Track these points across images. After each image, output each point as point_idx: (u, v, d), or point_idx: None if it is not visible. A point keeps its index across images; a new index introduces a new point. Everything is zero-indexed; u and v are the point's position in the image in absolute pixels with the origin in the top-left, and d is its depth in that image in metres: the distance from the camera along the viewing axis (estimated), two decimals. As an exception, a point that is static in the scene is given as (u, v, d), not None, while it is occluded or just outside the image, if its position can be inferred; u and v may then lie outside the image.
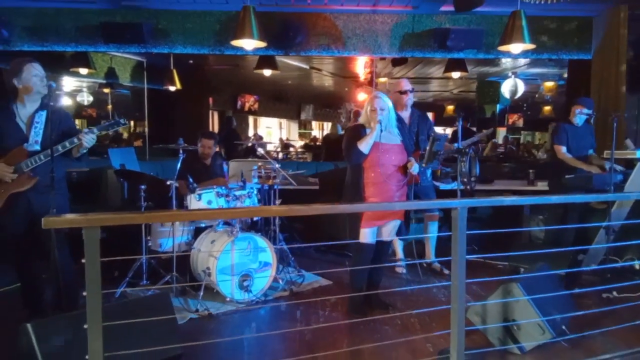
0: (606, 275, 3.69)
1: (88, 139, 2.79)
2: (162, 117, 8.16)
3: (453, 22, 5.43)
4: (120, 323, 1.99)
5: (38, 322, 2.23)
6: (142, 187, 3.69)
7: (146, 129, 8.16)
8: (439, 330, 3.00)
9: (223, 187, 3.82)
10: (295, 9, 5.32)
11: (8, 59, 6.61)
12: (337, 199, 3.51)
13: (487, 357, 2.69)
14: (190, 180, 3.69)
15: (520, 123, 13.48)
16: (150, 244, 3.85)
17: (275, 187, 4.16)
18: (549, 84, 9.53)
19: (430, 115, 12.20)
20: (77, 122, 9.43)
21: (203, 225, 3.97)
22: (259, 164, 4.25)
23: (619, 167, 4.08)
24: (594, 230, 4.11)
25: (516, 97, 9.25)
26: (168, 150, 3.98)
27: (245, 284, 3.56)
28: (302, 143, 13.92)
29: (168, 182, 3.70)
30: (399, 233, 3.40)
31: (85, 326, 1.85)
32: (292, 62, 8.86)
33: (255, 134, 10.75)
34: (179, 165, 3.72)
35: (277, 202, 4.15)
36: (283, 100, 13.53)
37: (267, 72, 6.89)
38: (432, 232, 4.34)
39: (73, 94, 9.02)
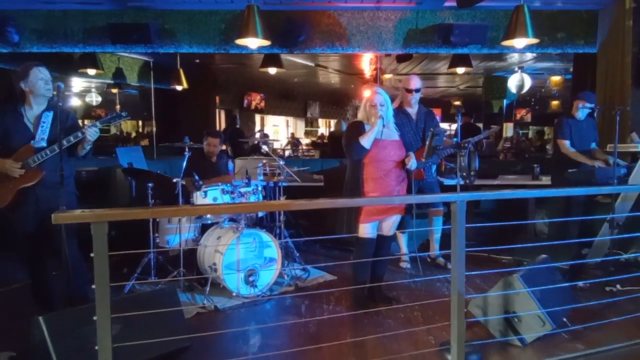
0: (610, 268, 3.70)
1: (91, 132, 2.89)
2: (169, 117, 8.26)
3: (457, 18, 5.43)
4: (128, 315, 2.06)
5: (50, 315, 2.31)
6: (150, 185, 3.77)
7: (154, 129, 8.27)
8: (440, 322, 3.06)
9: (228, 185, 3.88)
10: (299, 7, 5.36)
11: (18, 61, 6.76)
12: (340, 194, 3.55)
13: (488, 349, 2.72)
14: (196, 177, 3.76)
15: (529, 118, 13.40)
16: (158, 241, 3.93)
17: (280, 184, 4.22)
18: (556, 79, 9.47)
19: (437, 111, 12.19)
20: (87, 122, 9.54)
21: (209, 221, 4.04)
22: (264, 161, 4.31)
23: (622, 162, 4.08)
24: (598, 224, 4.12)
25: (523, 91, 9.22)
26: (175, 148, 4.06)
27: (250, 279, 3.62)
28: (308, 141, 13.97)
29: (174, 180, 3.77)
30: (402, 227, 3.44)
31: (95, 318, 1.92)
32: (298, 60, 8.91)
33: (260, 132, 10.79)
34: (184, 163, 3.79)
35: (282, 198, 4.21)
36: (289, 98, 13.58)
37: (272, 71, 6.93)
38: (437, 226, 4.37)
39: (82, 95, 9.15)
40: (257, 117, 13.00)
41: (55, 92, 2.91)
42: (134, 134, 10.38)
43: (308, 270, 4.20)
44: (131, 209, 1.96)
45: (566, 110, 5.44)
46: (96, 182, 5.16)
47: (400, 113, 4.23)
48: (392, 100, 3.47)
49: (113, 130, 9.98)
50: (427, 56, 8.55)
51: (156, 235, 3.91)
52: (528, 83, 8.96)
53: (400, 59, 7.41)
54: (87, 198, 3.55)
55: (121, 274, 3.88)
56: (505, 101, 10.93)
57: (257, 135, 8.98)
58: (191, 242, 3.95)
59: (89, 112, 9.34)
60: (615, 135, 3.82)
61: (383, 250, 3.42)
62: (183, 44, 5.41)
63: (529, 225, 5.09)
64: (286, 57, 7.49)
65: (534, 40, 4.85)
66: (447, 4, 5.26)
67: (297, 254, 4.31)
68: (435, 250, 4.47)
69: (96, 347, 1.92)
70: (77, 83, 8.78)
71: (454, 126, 11.78)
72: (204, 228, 4.05)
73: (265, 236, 3.74)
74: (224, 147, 4.77)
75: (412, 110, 4.23)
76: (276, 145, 11.00)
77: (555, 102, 12.19)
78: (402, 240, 4.43)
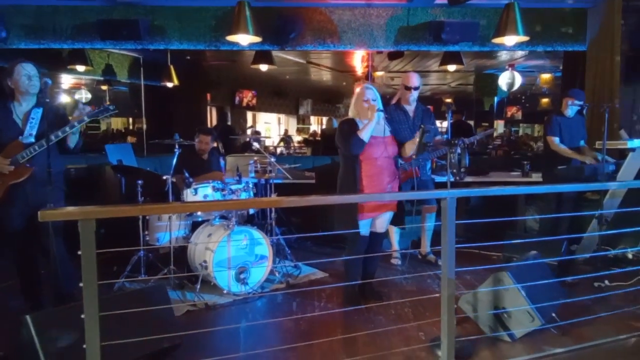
0: (598, 264, 3.74)
1: (76, 128, 2.91)
2: (159, 114, 8.20)
3: (448, 15, 5.44)
4: (116, 313, 2.04)
5: (37, 313, 2.29)
6: (139, 182, 3.74)
7: (144, 126, 8.21)
8: (430, 318, 3.07)
9: (219, 182, 3.87)
10: (290, 3, 5.34)
11: (6, 58, 6.67)
12: (333, 192, 3.55)
13: (478, 345, 2.74)
14: (187, 175, 3.74)
15: (519, 115, 13.49)
16: (147, 238, 3.91)
17: (271, 181, 4.21)
18: (546, 76, 9.55)
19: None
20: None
21: (200, 219, 4.03)
22: (255, 158, 4.29)
23: (610, 158, 4.12)
24: (588, 221, 4.16)
25: (513, 89, 9.28)
26: (165, 146, 4.03)
27: (241, 276, 3.61)
28: (300, 138, 13.94)
29: (164, 177, 3.75)
30: (396, 223, 3.45)
31: (82, 316, 1.91)
32: (290, 57, 8.89)
33: (252, 129, 10.77)
34: (174, 160, 3.77)
35: (273, 196, 4.20)
36: (281, 96, 13.56)
37: (263, 67, 6.92)
38: (429, 224, 4.38)
39: (71, 91, 9.07)
40: (249, 114, 12.96)
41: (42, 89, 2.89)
42: (123, 131, 10.30)
43: (299, 268, 4.20)
44: (120, 206, 1.95)
45: (556, 107, 5.48)
46: (85, 180, 5.11)
47: (397, 110, 4.22)
48: (385, 97, 3.47)
49: (103, 127, 9.90)
50: (419, 53, 8.57)
51: (146, 232, 3.89)
52: (519, 81, 9.02)
53: (392, 56, 7.42)
54: (75, 195, 3.52)
55: (111, 272, 3.85)
56: (496, 99, 11.00)
57: (249, 132, 8.94)
58: (181, 239, 3.93)
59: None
60: (604, 132, 3.85)
61: (375, 247, 3.43)
62: (173, 40, 5.37)
63: (519, 221, 5.13)
64: (278, 54, 7.46)
65: (525, 38, 4.88)
66: (437, 1, 5.27)
67: (289, 251, 4.31)
68: (426, 247, 4.49)
69: (84, 346, 1.90)
70: (66, 80, 8.69)
71: (445, 123, 11.82)
72: (195, 225, 4.03)
73: (257, 233, 3.73)
74: (215, 145, 4.74)
75: (410, 107, 4.23)
76: (268, 142, 10.99)
77: (545, 100, 12.29)
78: (394, 237, 4.43)
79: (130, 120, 10.54)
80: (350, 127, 3.25)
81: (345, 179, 3.32)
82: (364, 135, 3.17)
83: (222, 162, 4.77)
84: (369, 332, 2.88)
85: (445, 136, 3.17)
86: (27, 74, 2.93)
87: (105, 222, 2.20)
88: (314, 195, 2.40)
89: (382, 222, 3.39)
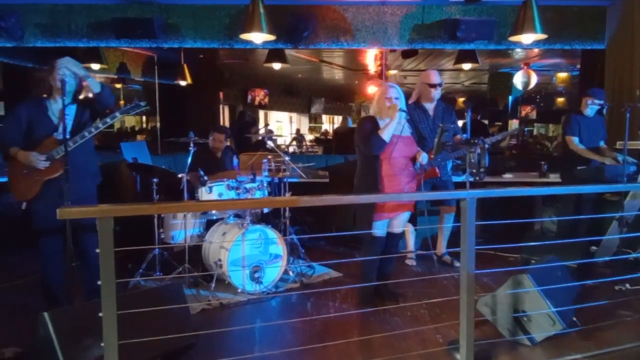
0: (619, 267, 3.66)
1: (90, 82, 2.97)
2: (173, 112, 8.22)
3: (463, 13, 5.37)
4: (134, 312, 2.03)
5: (55, 311, 2.29)
6: (154, 180, 3.74)
7: (157, 124, 8.24)
8: (448, 321, 3.03)
9: (233, 180, 3.86)
10: (304, 1, 5.32)
11: (22, 56, 6.72)
12: (347, 191, 3.52)
13: (497, 348, 2.69)
14: (202, 173, 3.73)
15: (534, 115, 13.32)
16: (162, 237, 3.91)
17: (285, 179, 4.19)
18: (562, 75, 9.40)
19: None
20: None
21: (214, 217, 4.02)
22: (269, 156, 4.28)
23: (631, 159, 4.03)
24: (607, 222, 4.08)
25: (529, 88, 9.16)
26: (179, 144, 4.03)
27: (256, 275, 3.60)
28: (311, 137, 13.91)
29: (179, 175, 3.74)
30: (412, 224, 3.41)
31: (100, 314, 1.90)
32: (302, 55, 8.87)
33: (266, 127, 10.77)
34: (189, 158, 3.76)
35: (287, 194, 4.18)
36: (294, 94, 13.53)
37: (276, 66, 6.90)
38: (448, 224, 4.31)
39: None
40: (261, 113, 12.96)
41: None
42: (137, 130, 10.36)
43: (313, 267, 4.18)
44: (137, 204, 1.93)
45: (574, 106, 5.39)
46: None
47: (417, 109, 4.14)
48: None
49: (117, 124, 9.96)
50: (433, 52, 8.49)
51: (161, 230, 3.89)
52: (534, 80, 8.90)
53: (406, 54, 7.35)
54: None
55: (126, 270, 3.86)
56: (510, 98, 10.87)
57: (263, 130, 8.94)
58: (196, 237, 3.93)
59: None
60: (625, 132, 3.77)
61: (392, 248, 3.39)
62: (187, 38, 5.38)
63: (535, 222, 5.05)
64: (290, 52, 7.44)
65: (542, 36, 4.80)
66: (453, -2, 5.21)
67: (302, 250, 4.29)
68: (442, 247, 4.43)
69: (102, 344, 1.90)
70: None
71: (460, 122, 11.70)
72: (209, 224, 4.03)
73: (271, 232, 3.71)
74: (228, 143, 4.74)
75: (430, 105, 4.14)
76: (280, 141, 10.97)
77: (560, 99, 12.13)
78: (410, 237, 4.39)
79: (144, 118, 10.59)
80: (372, 126, 3.20)
81: (364, 179, 3.26)
82: (385, 134, 3.13)
83: (235, 160, 4.76)
84: (385, 335, 2.84)
85: (464, 135, 3.12)
86: (64, 73, 2.96)
87: (120, 220, 2.19)
88: (331, 194, 2.37)
89: (399, 222, 3.34)
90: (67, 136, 2.93)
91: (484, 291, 3.29)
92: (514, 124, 12.66)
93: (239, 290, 3.57)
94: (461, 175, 4.81)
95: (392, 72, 8.91)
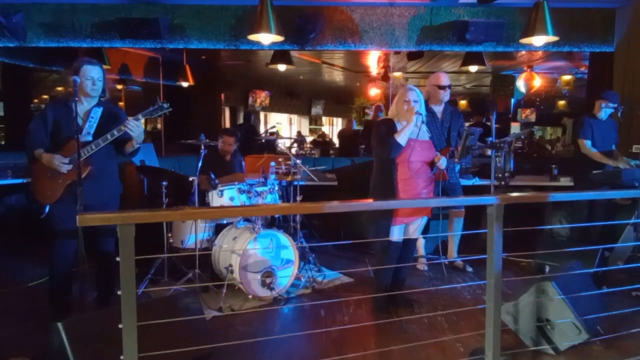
0: (634, 273, 3.61)
1: (132, 126, 2.81)
2: (175, 113, 8.12)
3: (472, 15, 5.32)
4: (153, 323, 1.95)
5: (69, 320, 2.20)
6: (164, 183, 3.66)
7: (158, 125, 8.14)
8: (467, 329, 2.97)
9: (245, 184, 3.78)
10: (311, 2, 5.25)
11: (23, 55, 6.60)
12: (354, 194, 3.44)
13: (521, 358, 2.63)
14: (213, 176, 3.65)
15: (533, 118, 13.30)
16: (171, 241, 3.82)
17: (295, 183, 4.12)
18: (567, 78, 9.36)
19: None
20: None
21: (224, 221, 3.94)
22: (280, 159, 4.20)
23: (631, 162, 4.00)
24: (620, 226, 4.03)
25: (532, 91, 9.13)
26: (184, 146, 3.96)
27: (267, 281, 3.52)
28: (310, 139, 13.81)
29: (191, 179, 3.66)
30: (426, 230, 3.34)
31: (120, 326, 1.82)
32: (304, 57, 8.79)
33: (273, 129, 10.67)
34: (200, 161, 3.67)
35: (299, 198, 4.10)
36: (294, 96, 13.46)
37: (282, 67, 6.82)
38: (457, 228, 4.26)
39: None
40: (262, 115, 12.88)
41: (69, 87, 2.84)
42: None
43: (323, 272, 4.11)
44: (160, 210, 1.87)
45: (577, 109, 5.35)
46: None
47: (425, 111, 4.10)
48: None
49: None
50: (436, 54, 8.44)
51: (169, 235, 3.81)
52: (537, 82, 8.88)
53: (412, 56, 7.29)
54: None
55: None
56: (512, 100, 10.83)
57: (270, 132, 8.85)
58: (205, 242, 3.85)
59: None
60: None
61: (407, 253, 3.32)
62: (193, 39, 5.29)
63: (545, 225, 4.99)
64: (293, 53, 7.36)
65: (554, 38, 4.75)
66: (461, 0, 5.15)
67: (312, 255, 4.21)
68: (453, 252, 4.37)
69: (122, 357, 1.82)
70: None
71: (466, 124, 11.62)
72: (218, 228, 3.95)
73: (283, 237, 3.64)
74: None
75: (439, 108, 4.10)
76: (281, 142, 10.87)
77: (562, 102, 12.08)
78: (421, 241, 4.33)
79: (143, 120, 10.46)
80: (388, 128, 3.14)
81: (379, 182, 3.20)
82: (401, 138, 3.07)
83: (242, 163, 4.69)
84: (407, 346, 2.76)
85: (490, 139, 3.05)
86: (92, 78, 2.89)
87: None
88: (336, 198, 2.28)
89: (416, 227, 3.28)
90: (90, 139, 2.88)
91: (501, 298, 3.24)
92: (514, 126, 12.63)
93: (250, 297, 3.49)
94: (472, 179, 4.76)
95: (397, 74, 8.85)
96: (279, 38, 4.90)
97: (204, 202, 3.77)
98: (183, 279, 3.66)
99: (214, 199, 3.69)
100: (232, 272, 3.46)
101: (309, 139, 13.80)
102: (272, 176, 4.18)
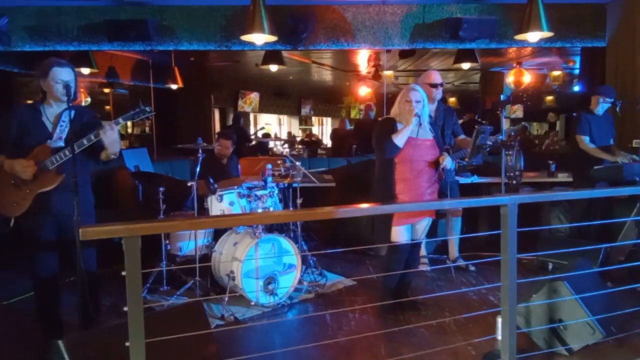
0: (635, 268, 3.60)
1: (108, 134, 2.56)
2: (164, 116, 7.98)
3: (464, 12, 5.29)
4: (161, 339, 1.86)
5: (70, 337, 2.09)
6: (161, 189, 3.55)
7: (147, 128, 7.99)
8: (477, 331, 2.93)
9: (244, 188, 3.69)
10: (302, 1, 5.17)
11: (9, 60, 6.40)
12: (352, 195, 3.37)
13: (533, 358, 2.58)
14: (211, 181, 3.55)
15: (520, 114, 13.38)
16: (169, 248, 3.71)
17: (294, 185, 4.04)
18: (556, 73, 9.42)
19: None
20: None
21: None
22: (279, 161, 4.12)
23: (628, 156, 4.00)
24: (620, 221, 4.03)
25: (521, 87, 9.17)
26: (175, 149, 3.84)
27: (270, 287, 3.44)
28: (298, 139, 13.72)
29: (189, 184, 3.56)
30: (432, 230, 3.29)
31: (127, 344, 1.73)
32: (294, 56, 8.70)
33: (262, 131, 10.56)
34: (199, 166, 3.56)
35: (299, 201, 4.02)
36: (283, 96, 13.36)
37: (273, 68, 6.73)
38: (456, 228, 4.22)
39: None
40: (251, 116, 12.77)
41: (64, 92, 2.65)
42: (125, 136, 10.05)
43: (325, 275, 4.04)
44: (166, 221, 1.78)
45: (564, 105, 5.36)
46: (98, 185, 4.88)
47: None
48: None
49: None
50: (426, 52, 8.42)
51: (167, 242, 3.69)
52: (526, 78, 8.91)
53: (404, 54, 7.25)
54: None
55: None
56: (502, 97, 10.87)
57: (260, 134, 8.75)
58: (204, 248, 3.74)
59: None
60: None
61: (414, 254, 3.27)
62: (183, 40, 5.18)
63: (543, 223, 4.98)
64: (283, 53, 7.28)
65: (548, 34, 4.75)
66: (453, -3, 5.12)
67: (313, 258, 4.14)
68: (454, 252, 4.34)
69: (130, 376, 1.73)
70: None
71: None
72: (217, 233, 3.85)
73: (285, 242, 3.55)
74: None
75: (431, 106, 4.07)
76: (271, 144, 10.77)
77: (549, 98, 12.18)
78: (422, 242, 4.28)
79: (130, 123, 10.30)
80: (388, 128, 3.08)
81: (379, 183, 3.15)
82: (399, 139, 3.02)
83: (238, 166, 4.60)
84: (419, 354, 2.70)
85: (500, 137, 3.00)
86: (62, 80, 2.64)
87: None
88: (334, 199, 2.22)
89: (422, 227, 3.23)
90: (61, 144, 2.65)
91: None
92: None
93: (252, 303, 3.41)
94: (470, 177, 4.73)
95: (388, 72, 8.80)
96: (272, 38, 4.82)
97: (202, 208, 3.67)
98: (183, 287, 3.55)
99: (213, 204, 3.59)
100: (233, 279, 3.36)
101: (298, 139, 13.73)
102: (269, 179, 4.09)
